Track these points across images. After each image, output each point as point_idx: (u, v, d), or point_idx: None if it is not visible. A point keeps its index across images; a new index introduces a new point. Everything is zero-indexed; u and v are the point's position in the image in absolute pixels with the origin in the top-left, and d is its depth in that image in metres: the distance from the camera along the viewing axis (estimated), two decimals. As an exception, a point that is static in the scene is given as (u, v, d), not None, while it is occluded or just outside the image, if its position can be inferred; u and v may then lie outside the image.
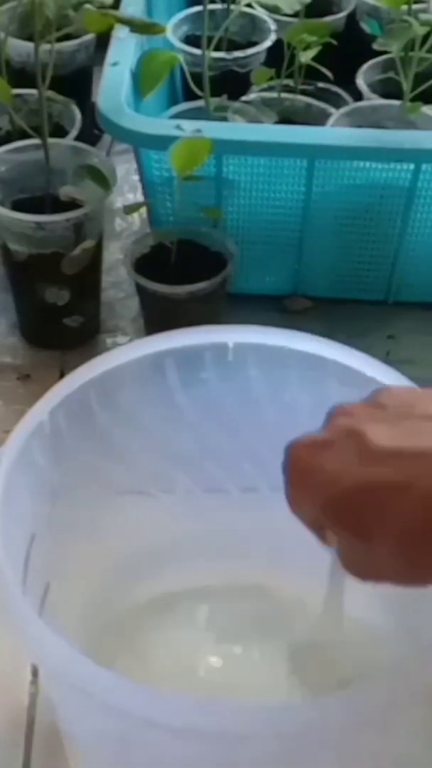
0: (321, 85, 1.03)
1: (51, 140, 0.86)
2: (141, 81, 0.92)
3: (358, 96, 1.00)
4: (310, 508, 0.45)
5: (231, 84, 1.00)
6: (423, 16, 0.94)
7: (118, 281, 0.97)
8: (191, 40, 1.03)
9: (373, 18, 1.10)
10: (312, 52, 0.97)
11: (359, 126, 0.94)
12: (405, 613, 0.59)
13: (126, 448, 0.62)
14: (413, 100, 0.92)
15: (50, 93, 0.89)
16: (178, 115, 0.95)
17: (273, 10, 1.00)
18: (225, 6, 1.05)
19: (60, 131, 0.94)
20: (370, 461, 0.43)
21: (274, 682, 0.63)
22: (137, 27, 0.84)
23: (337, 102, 1.00)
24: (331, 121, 0.95)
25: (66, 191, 0.87)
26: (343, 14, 1.11)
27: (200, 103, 0.93)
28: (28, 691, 0.67)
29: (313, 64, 0.98)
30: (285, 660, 0.63)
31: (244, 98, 0.99)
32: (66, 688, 0.50)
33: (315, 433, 0.46)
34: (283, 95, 1.00)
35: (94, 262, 0.88)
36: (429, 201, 0.89)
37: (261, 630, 0.66)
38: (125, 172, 1.03)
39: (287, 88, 1.00)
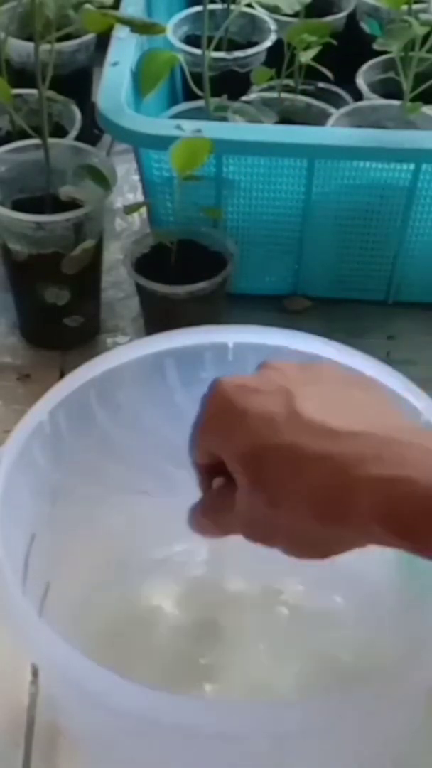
0: (321, 85, 1.03)
1: (51, 140, 0.86)
2: (141, 81, 0.92)
3: (358, 96, 1.00)
4: (220, 448, 0.45)
5: (231, 84, 1.00)
6: (423, 16, 0.94)
7: (118, 281, 0.97)
8: (191, 40, 1.03)
9: (373, 18, 1.10)
10: (312, 52, 0.97)
11: (359, 126, 0.94)
12: (405, 611, 0.59)
13: (126, 448, 0.62)
14: (413, 100, 0.92)
15: (50, 93, 0.89)
16: (178, 115, 0.95)
17: (273, 10, 1.00)
18: (225, 6, 1.05)
19: (60, 131, 0.94)
20: (297, 426, 0.43)
21: (276, 682, 0.63)
22: (137, 27, 0.84)
23: (337, 102, 1.00)
24: (331, 121, 0.95)
25: (66, 191, 0.87)
26: (343, 14, 1.11)
27: (200, 103, 0.93)
28: (28, 691, 0.67)
29: (313, 64, 0.98)
30: (286, 661, 0.64)
31: (244, 98, 0.99)
32: (66, 687, 0.50)
33: (245, 377, 0.47)
34: (283, 95, 1.00)
35: (94, 262, 0.88)
36: (429, 201, 0.89)
37: (261, 630, 0.66)
38: (125, 172, 1.03)
39: (287, 88, 1.00)
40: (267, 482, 0.43)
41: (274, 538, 0.45)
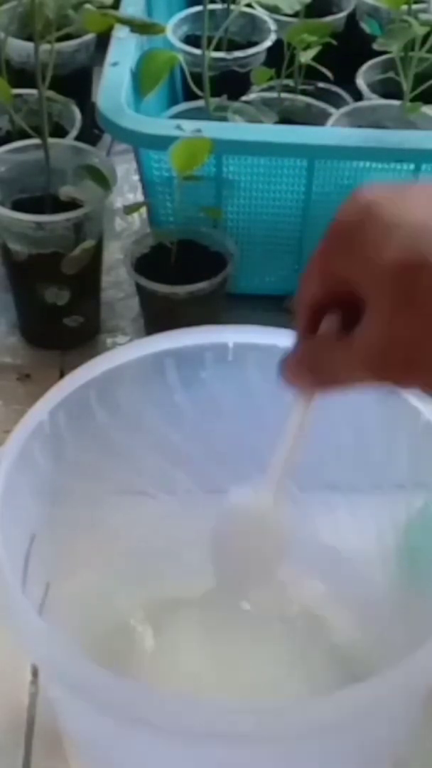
0: (321, 85, 1.03)
1: (51, 140, 0.86)
2: (141, 81, 0.92)
3: (358, 96, 1.00)
4: (356, 265, 0.38)
5: (231, 84, 1.00)
6: (423, 16, 0.94)
7: (118, 281, 0.97)
8: (191, 40, 1.03)
9: (373, 18, 1.10)
10: (312, 52, 0.97)
11: (359, 126, 0.94)
12: (405, 610, 0.59)
13: (126, 448, 0.62)
14: (413, 100, 0.92)
15: (50, 93, 0.89)
16: (178, 115, 0.95)
17: (273, 10, 1.00)
18: (225, 6, 1.05)
19: (60, 131, 0.94)
20: None
21: (276, 683, 0.63)
22: (137, 27, 0.84)
23: (337, 102, 1.00)
24: (331, 121, 0.95)
25: (66, 191, 0.87)
26: (343, 14, 1.11)
27: (200, 103, 0.93)
28: (28, 691, 0.67)
29: (313, 64, 0.98)
30: (286, 661, 0.64)
31: (244, 98, 0.99)
32: (66, 687, 0.50)
33: (392, 184, 0.40)
34: (283, 95, 1.00)
35: (94, 262, 0.88)
36: (429, 201, 0.89)
37: (262, 630, 0.66)
38: (125, 172, 1.03)
39: (287, 88, 1.00)
40: (423, 301, 0.36)
41: (417, 368, 0.38)
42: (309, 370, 0.42)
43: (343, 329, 0.40)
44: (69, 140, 0.91)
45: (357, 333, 0.38)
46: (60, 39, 0.84)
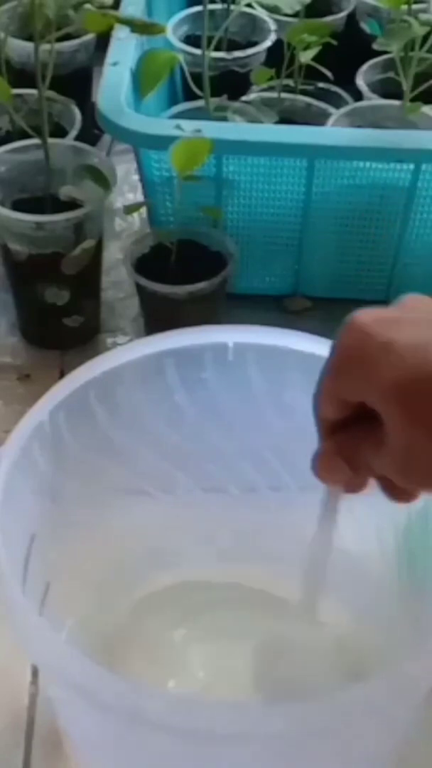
0: (321, 85, 1.03)
1: (51, 140, 0.86)
2: (141, 81, 0.92)
3: (358, 96, 1.00)
4: (361, 388, 0.41)
5: (231, 84, 1.00)
6: (423, 16, 0.94)
7: (118, 281, 0.97)
8: (191, 40, 1.04)
9: (373, 18, 1.10)
10: (312, 52, 0.97)
11: (359, 126, 0.94)
12: (407, 611, 0.59)
13: (126, 448, 0.62)
14: (413, 100, 0.92)
15: (50, 93, 0.89)
16: (178, 115, 0.95)
17: (273, 10, 1.00)
18: (225, 6, 1.05)
19: (60, 131, 0.94)
20: None
21: (276, 683, 0.63)
22: (137, 27, 0.84)
23: (337, 102, 1.00)
24: (331, 121, 0.95)
25: (66, 191, 0.87)
26: (343, 14, 1.11)
27: (200, 103, 0.93)
28: (28, 691, 0.67)
29: (313, 64, 0.98)
30: (287, 661, 0.64)
31: (244, 98, 0.99)
32: (66, 688, 0.50)
33: (383, 308, 0.42)
34: (283, 95, 1.00)
35: (94, 262, 0.88)
36: (429, 201, 0.89)
37: (262, 630, 0.66)
38: (125, 172, 1.03)
39: (287, 88, 1.00)
40: (429, 414, 0.39)
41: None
42: (347, 462, 0.44)
43: (368, 427, 0.42)
44: (69, 140, 0.91)
45: (383, 435, 0.41)
46: (60, 39, 0.84)
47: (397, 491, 0.45)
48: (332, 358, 0.42)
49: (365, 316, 0.42)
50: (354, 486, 0.46)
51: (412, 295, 0.44)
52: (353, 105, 0.98)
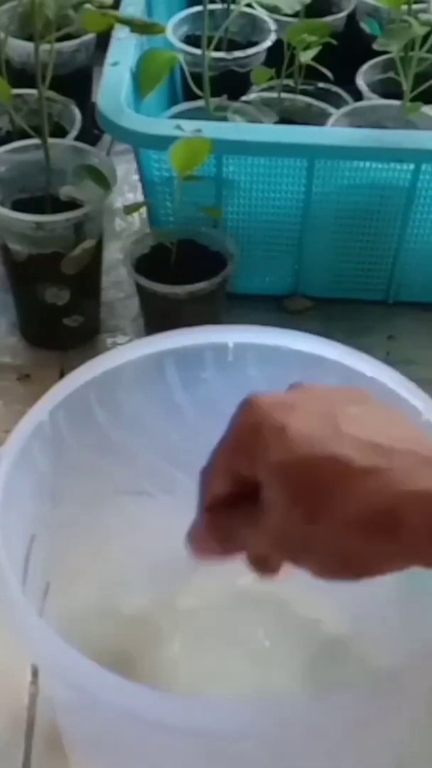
0: (321, 85, 1.03)
1: (51, 140, 0.86)
2: (141, 81, 0.92)
3: (358, 96, 1.00)
4: (251, 464, 0.43)
5: (231, 84, 1.00)
6: (423, 16, 0.94)
7: (118, 281, 0.97)
8: (191, 40, 1.04)
9: (373, 18, 1.10)
10: (312, 52, 0.97)
11: (359, 126, 0.94)
12: (406, 611, 0.59)
13: (126, 448, 0.62)
14: (413, 100, 0.92)
15: (50, 93, 0.89)
16: (178, 115, 0.95)
17: (273, 10, 1.00)
18: (225, 6, 1.05)
19: (60, 131, 0.94)
20: (342, 441, 0.42)
21: (276, 682, 0.63)
22: (137, 27, 0.84)
23: (337, 102, 1.00)
24: (331, 121, 0.95)
25: (66, 191, 0.87)
26: (343, 14, 1.11)
27: (200, 103, 0.93)
28: (28, 691, 0.67)
29: (313, 64, 0.98)
30: (286, 660, 0.64)
31: (244, 98, 0.99)
32: (66, 688, 0.50)
33: (280, 394, 0.45)
34: (283, 95, 1.00)
35: (94, 262, 0.88)
36: (429, 201, 0.89)
37: (262, 630, 0.66)
38: (125, 172, 1.03)
39: (287, 88, 1.00)
40: (307, 496, 0.42)
41: (306, 556, 0.43)
42: (218, 541, 0.47)
43: (245, 506, 0.45)
44: (69, 140, 0.91)
45: (259, 515, 0.43)
46: (60, 39, 0.84)
47: (264, 567, 0.47)
48: (228, 433, 0.45)
49: (264, 399, 0.44)
50: (223, 558, 0.48)
51: (304, 384, 0.46)
52: (353, 105, 0.98)
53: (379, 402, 0.46)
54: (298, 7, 0.93)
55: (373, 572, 0.42)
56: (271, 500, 0.43)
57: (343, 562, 0.42)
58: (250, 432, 0.44)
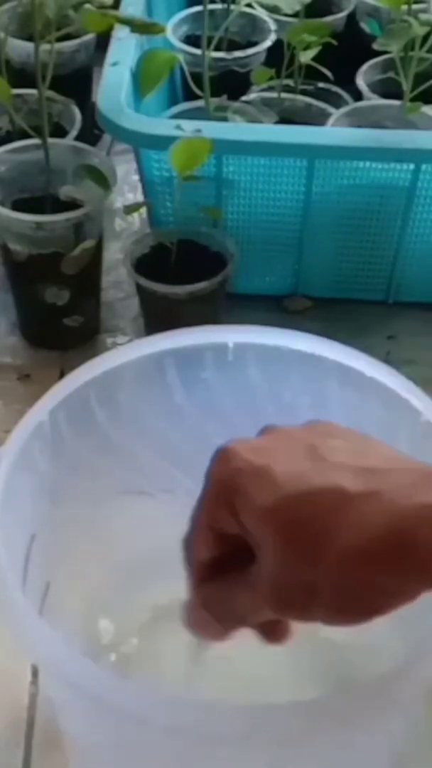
0: (321, 85, 1.03)
1: (51, 140, 0.86)
2: (141, 81, 0.92)
3: (358, 96, 1.00)
4: (236, 514, 0.40)
5: (231, 84, 1.00)
6: (423, 16, 0.94)
7: (118, 281, 0.97)
8: (191, 40, 1.04)
9: (373, 18, 1.10)
10: (312, 52, 0.97)
11: (359, 126, 0.94)
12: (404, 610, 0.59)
13: (126, 448, 0.62)
14: (413, 100, 0.92)
15: (50, 93, 0.89)
16: (178, 115, 0.95)
17: (273, 10, 1.00)
18: (225, 6, 1.05)
19: (60, 131, 0.94)
20: (331, 470, 0.39)
21: (275, 683, 0.63)
22: (137, 27, 0.84)
23: (337, 102, 1.00)
24: (331, 121, 0.95)
25: (66, 191, 0.88)
26: (343, 14, 1.11)
27: (200, 103, 0.93)
28: (28, 691, 0.67)
29: (313, 64, 0.98)
30: (285, 661, 0.63)
31: (244, 98, 0.99)
32: (66, 688, 0.50)
33: (253, 439, 0.42)
34: (283, 95, 1.00)
35: (94, 262, 0.88)
36: (429, 201, 0.89)
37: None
38: (125, 172, 1.03)
39: (287, 88, 1.00)
40: (302, 535, 0.38)
41: (314, 603, 0.39)
42: (217, 619, 0.43)
43: (237, 571, 0.41)
44: (69, 140, 0.91)
45: (255, 573, 0.40)
46: (60, 39, 0.84)
47: (273, 633, 0.45)
48: (206, 489, 0.42)
49: (238, 445, 0.41)
50: (226, 636, 0.45)
51: (275, 426, 0.43)
52: (353, 105, 0.98)
53: (352, 430, 0.43)
54: (298, 7, 0.93)
55: (387, 606, 0.38)
56: (264, 552, 0.39)
57: (354, 601, 0.38)
58: (228, 482, 0.41)
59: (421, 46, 0.90)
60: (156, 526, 0.65)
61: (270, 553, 0.39)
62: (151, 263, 0.86)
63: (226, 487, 0.41)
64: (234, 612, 0.42)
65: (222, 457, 0.42)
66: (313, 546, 0.38)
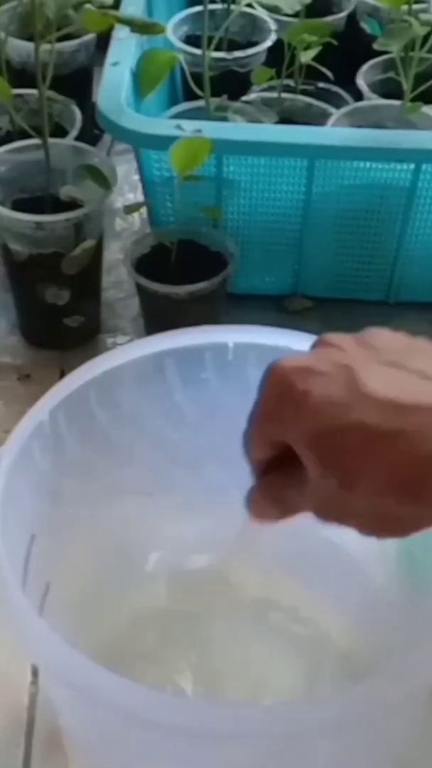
0: (321, 85, 1.03)
1: (51, 140, 0.86)
2: (141, 81, 0.92)
3: (358, 96, 1.00)
4: (284, 433, 0.44)
5: (231, 84, 1.00)
6: (423, 16, 0.94)
7: (118, 281, 0.97)
8: (191, 40, 1.04)
9: (373, 18, 1.10)
10: (312, 52, 0.97)
11: (359, 126, 0.94)
12: (405, 608, 0.59)
13: (126, 448, 0.62)
14: (413, 100, 0.92)
15: (50, 93, 0.89)
16: (178, 115, 0.95)
17: (273, 10, 1.00)
18: (225, 6, 1.05)
19: (60, 131, 0.94)
20: (364, 404, 0.42)
21: (275, 683, 0.63)
22: (137, 27, 0.84)
23: (337, 102, 1.00)
24: (331, 121, 0.95)
25: (66, 191, 0.88)
26: (343, 14, 1.11)
27: (200, 103, 0.93)
28: (28, 691, 0.67)
29: (313, 64, 0.98)
30: (285, 660, 0.64)
31: (244, 98, 0.99)
32: (66, 687, 0.50)
33: (302, 357, 0.45)
34: (283, 95, 1.00)
35: (94, 262, 0.88)
36: (429, 201, 0.89)
37: (261, 630, 0.66)
38: (125, 172, 1.03)
39: (287, 88, 1.00)
40: (338, 465, 0.42)
41: (349, 519, 0.43)
42: (273, 503, 0.47)
43: (293, 466, 0.45)
44: (69, 140, 0.91)
45: (304, 477, 0.44)
46: (60, 39, 0.84)
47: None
48: (259, 401, 0.45)
49: (285, 365, 0.44)
50: (280, 520, 0.48)
51: (327, 339, 0.48)
52: (353, 105, 0.98)
53: (402, 344, 0.48)
54: (298, 7, 0.93)
55: (408, 532, 0.43)
56: (308, 468, 0.43)
57: (382, 524, 0.43)
58: (276, 401, 0.44)
59: (422, 46, 0.90)
60: (156, 526, 0.65)
61: (312, 472, 0.43)
62: (152, 263, 0.86)
63: (273, 406, 0.44)
64: (286, 502, 0.47)
65: (270, 376, 0.44)
66: (346, 476, 0.42)
